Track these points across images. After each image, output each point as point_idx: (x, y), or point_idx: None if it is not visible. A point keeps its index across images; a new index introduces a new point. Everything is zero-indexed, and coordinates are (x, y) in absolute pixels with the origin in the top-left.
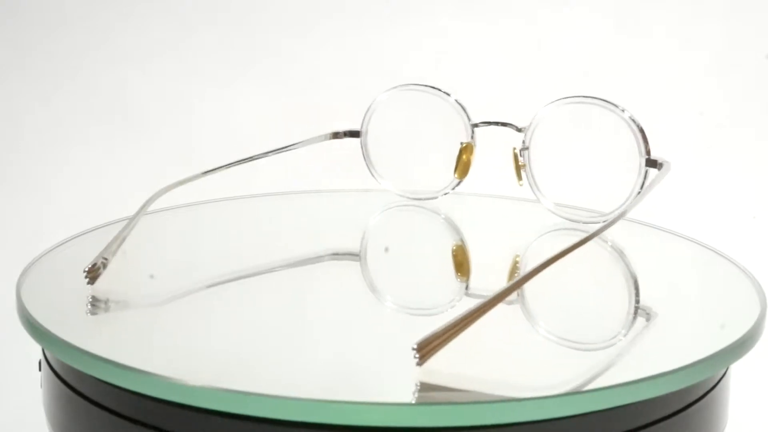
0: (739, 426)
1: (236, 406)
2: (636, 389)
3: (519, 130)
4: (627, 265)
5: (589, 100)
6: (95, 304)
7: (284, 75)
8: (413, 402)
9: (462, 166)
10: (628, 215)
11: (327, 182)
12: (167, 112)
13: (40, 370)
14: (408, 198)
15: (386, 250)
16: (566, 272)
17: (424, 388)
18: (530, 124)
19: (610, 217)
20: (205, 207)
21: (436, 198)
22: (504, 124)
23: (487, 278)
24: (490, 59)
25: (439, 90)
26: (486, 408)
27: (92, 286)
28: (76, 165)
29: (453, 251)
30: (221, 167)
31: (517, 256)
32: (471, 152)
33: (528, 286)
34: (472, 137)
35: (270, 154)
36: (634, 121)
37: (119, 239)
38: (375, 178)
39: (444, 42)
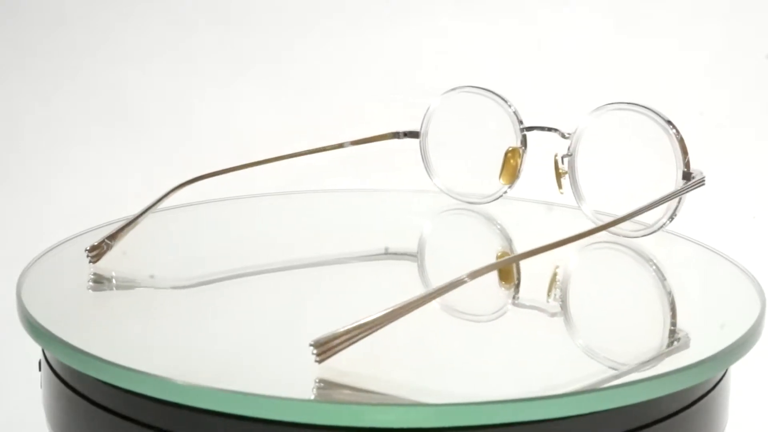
0: (739, 426)
1: (233, 406)
2: (636, 390)
3: (564, 136)
4: (660, 282)
5: (633, 107)
6: (99, 281)
7: (284, 75)
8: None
9: (508, 171)
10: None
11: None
12: (167, 112)
13: (40, 370)
14: (461, 201)
15: (386, 250)
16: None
17: (326, 385)
18: (575, 130)
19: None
20: (245, 202)
21: (487, 202)
22: (550, 129)
23: (535, 289)
24: (489, 59)
25: (494, 93)
26: (490, 408)
27: (94, 265)
28: (76, 165)
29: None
30: (272, 159)
31: (557, 267)
32: (518, 157)
33: (572, 298)
34: (522, 142)
35: (327, 149)
36: (675, 132)
37: (133, 225)
38: (431, 179)
39: (444, 42)
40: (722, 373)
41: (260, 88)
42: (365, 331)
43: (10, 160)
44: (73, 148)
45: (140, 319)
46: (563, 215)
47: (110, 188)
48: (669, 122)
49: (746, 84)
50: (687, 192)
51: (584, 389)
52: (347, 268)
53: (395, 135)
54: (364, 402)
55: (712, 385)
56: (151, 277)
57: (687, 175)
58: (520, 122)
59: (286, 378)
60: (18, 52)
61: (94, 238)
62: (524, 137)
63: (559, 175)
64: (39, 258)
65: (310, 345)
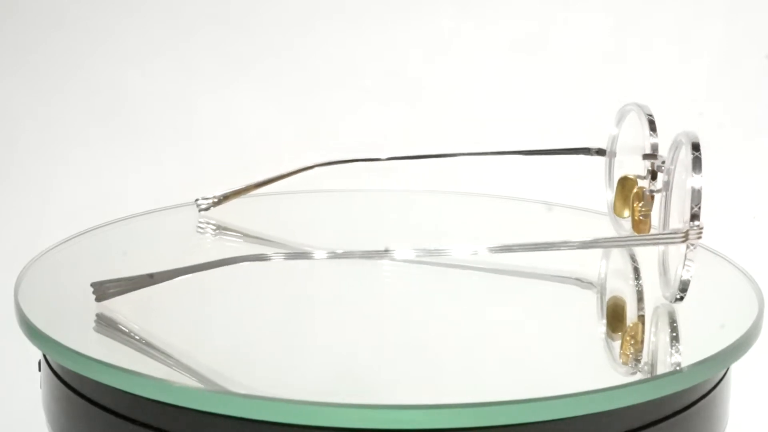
0: (739, 426)
1: (231, 408)
2: (636, 390)
3: (659, 168)
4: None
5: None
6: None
7: (285, 75)
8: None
9: (619, 200)
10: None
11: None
12: (167, 113)
13: (39, 370)
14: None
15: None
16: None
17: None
18: (667, 163)
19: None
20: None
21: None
22: (651, 156)
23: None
24: (489, 59)
25: (648, 117)
26: (490, 410)
27: (203, 214)
28: (76, 165)
29: (616, 315)
30: (445, 155)
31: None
32: (631, 186)
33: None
34: (650, 172)
35: (514, 153)
36: (696, 179)
37: (251, 187)
38: (608, 202)
39: (444, 42)
40: (722, 373)
41: (261, 89)
42: (146, 281)
43: (10, 160)
44: (73, 148)
45: (139, 319)
46: (563, 215)
47: (110, 188)
48: (696, 162)
49: (746, 84)
50: (661, 243)
51: (584, 389)
52: (573, 290)
53: (586, 151)
54: (358, 405)
55: (712, 385)
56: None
57: (691, 223)
58: (651, 150)
59: (284, 379)
60: (18, 52)
61: (93, 238)
62: (653, 166)
63: (637, 213)
64: (38, 258)
65: (91, 285)
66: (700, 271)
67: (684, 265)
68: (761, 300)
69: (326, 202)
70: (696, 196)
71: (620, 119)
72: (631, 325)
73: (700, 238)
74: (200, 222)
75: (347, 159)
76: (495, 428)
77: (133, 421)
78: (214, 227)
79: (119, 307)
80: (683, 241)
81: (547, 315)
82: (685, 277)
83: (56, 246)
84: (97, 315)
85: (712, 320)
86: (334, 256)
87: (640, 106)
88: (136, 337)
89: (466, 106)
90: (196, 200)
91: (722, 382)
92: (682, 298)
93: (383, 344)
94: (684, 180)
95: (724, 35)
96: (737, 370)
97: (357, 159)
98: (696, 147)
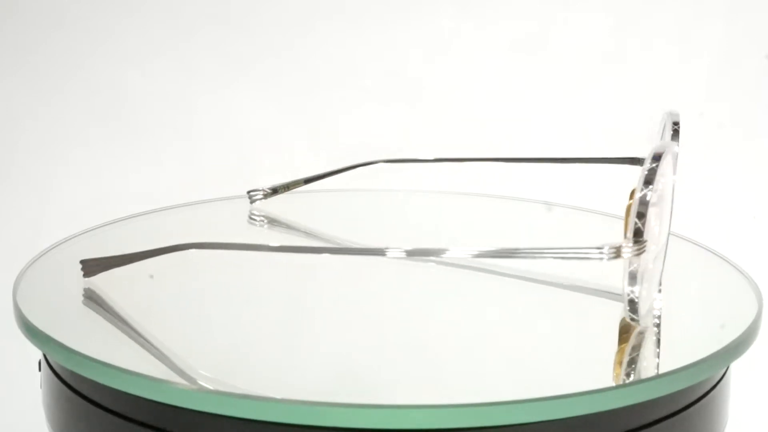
0: (739, 426)
1: (229, 408)
2: (636, 390)
3: (649, 182)
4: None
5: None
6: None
7: (285, 75)
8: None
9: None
10: None
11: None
12: (167, 113)
13: (39, 370)
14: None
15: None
16: None
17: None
18: (658, 183)
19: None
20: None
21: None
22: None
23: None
24: (489, 59)
25: (675, 131)
26: (490, 410)
27: (254, 206)
28: (76, 165)
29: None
30: (505, 159)
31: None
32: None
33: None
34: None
35: (556, 161)
36: (643, 195)
37: (300, 182)
38: None
39: (444, 42)
40: (722, 373)
41: (261, 89)
42: (123, 261)
43: (10, 160)
44: (73, 148)
45: (139, 319)
46: (563, 215)
47: (110, 188)
48: (650, 173)
49: (746, 84)
50: (584, 257)
51: (584, 389)
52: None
53: (633, 160)
54: (357, 404)
55: (712, 385)
56: (151, 276)
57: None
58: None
59: (284, 379)
60: (18, 52)
61: (93, 239)
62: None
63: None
64: (38, 258)
65: (80, 262)
66: (701, 271)
67: (626, 283)
68: (761, 300)
69: (326, 202)
70: (641, 209)
71: (660, 128)
72: (623, 345)
73: (638, 254)
74: (252, 213)
75: (403, 159)
76: (495, 428)
77: (133, 421)
78: (265, 218)
79: (119, 306)
80: (613, 258)
81: (547, 315)
82: (628, 297)
83: (56, 246)
84: (97, 315)
85: (712, 320)
86: (312, 250)
87: (670, 115)
88: (136, 337)
89: (466, 106)
90: (248, 192)
91: (722, 382)
92: (634, 320)
93: (383, 344)
94: (663, 191)
95: (724, 35)
96: (737, 370)
97: (411, 159)
98: (656, 158)
